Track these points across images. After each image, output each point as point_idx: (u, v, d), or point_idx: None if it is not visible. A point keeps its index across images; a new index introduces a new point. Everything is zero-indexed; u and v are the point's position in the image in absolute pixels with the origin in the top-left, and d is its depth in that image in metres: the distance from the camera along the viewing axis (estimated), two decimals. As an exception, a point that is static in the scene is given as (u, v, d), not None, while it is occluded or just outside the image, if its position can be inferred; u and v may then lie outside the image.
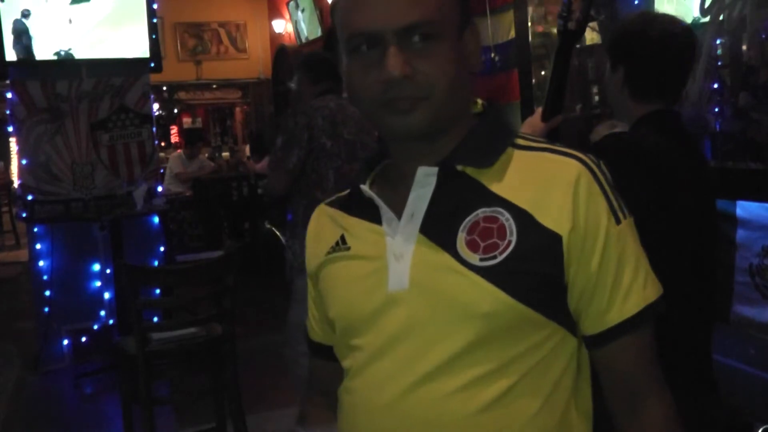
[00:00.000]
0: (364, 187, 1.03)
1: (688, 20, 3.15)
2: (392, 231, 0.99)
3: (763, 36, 2.99)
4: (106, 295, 4.86)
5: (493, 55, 5.13)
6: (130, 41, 4.94)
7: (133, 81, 5.00)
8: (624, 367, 0.99)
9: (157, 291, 4.67)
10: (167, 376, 3.37)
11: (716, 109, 3.24)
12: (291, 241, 3.13)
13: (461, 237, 0.95)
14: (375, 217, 1.02)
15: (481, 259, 0.93)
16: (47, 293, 4.75)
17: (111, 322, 4.86)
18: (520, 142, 1.02)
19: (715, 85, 3.18)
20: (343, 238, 1.06)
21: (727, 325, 2.93)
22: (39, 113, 4.76)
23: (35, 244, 4.84)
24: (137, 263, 4.32)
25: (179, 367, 3.24)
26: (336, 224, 1.08)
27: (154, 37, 5.01)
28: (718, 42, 3.11)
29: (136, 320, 3.06)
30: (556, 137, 1.87)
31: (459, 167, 0.98)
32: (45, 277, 4.77)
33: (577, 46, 4.60)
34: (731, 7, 2.91)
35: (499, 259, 0.92)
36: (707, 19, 2.97)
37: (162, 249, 5.17)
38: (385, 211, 1.00)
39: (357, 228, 1.05)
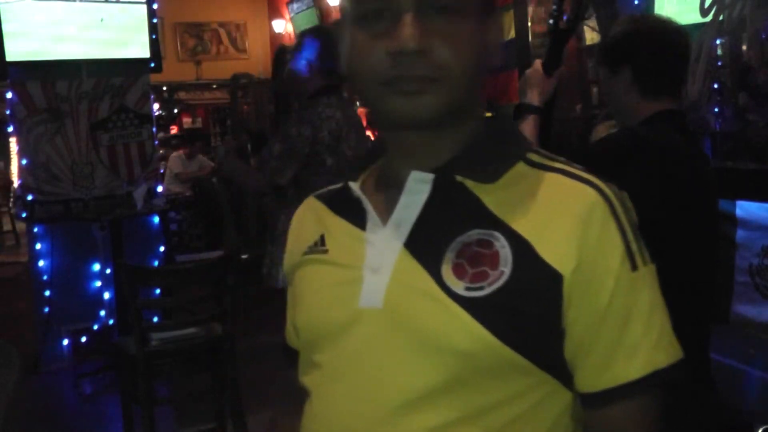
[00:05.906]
0: (354, 185, 0.91)
1: (689, 20, 3.15)
2: (375, 239, 0.87)
3: (763, 36, 2.99)
4: (106, 295, 4.86)
5: (492, 55, 5.13)
6: (130, 41, 4.94)
7: (133, 81, 5.00)
8: None
9: (157, 291, 4.67)
10: (167, 376, 3.37)
11: (716, 109, 3.24)
12: (271, 248, 2.94)
13: (448, 258, 0.82)
14: (360, 221, 0.90)
15: (467, 289, 0.79)
16: (47, 293, 4.75)
17: (111, 322, 4.85)
18: (533, 157, 0.88)
19: (715, 85, 3.18)
20: (322, 238, 0.94)
21: (727, 325, 2.93)
22: (39, 113, 4.75)
23: (35, 244, 4.83)
24: (137, 263, 4.32)
25: (179, 367, 3.25)
26: (319, 221, 0.97)
27: (154, 37, 5.01)
28: (718, 42, 3.11)
29: (136, 320, 3.06)
30: (548, 137, 1.87)
31: (458, 178, 0.85)
32: (45, 277, 4.77)
33: (577, 47, 4.61)
34: (731, 7, 2.91)
35: (488, 291, 0.79)
36: (707, 19, 2.97)
37: (162, 249, 5.17)
38: (372, 216, 0.88)
39: (338, 230, 0.93)
